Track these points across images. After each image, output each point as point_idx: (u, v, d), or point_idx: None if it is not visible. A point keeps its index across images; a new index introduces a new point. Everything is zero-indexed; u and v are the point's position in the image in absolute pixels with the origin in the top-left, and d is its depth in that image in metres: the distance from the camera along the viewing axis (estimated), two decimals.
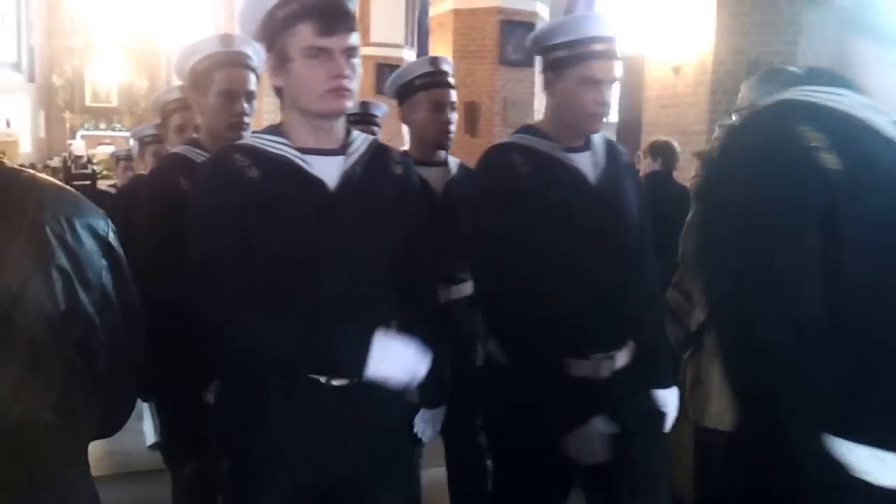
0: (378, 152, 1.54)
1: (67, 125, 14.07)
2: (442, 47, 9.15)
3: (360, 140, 1.52)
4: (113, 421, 1.25)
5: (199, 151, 1.97)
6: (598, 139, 1.82)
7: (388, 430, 1.51)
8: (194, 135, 2.14)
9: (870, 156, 1.04)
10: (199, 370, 1.69)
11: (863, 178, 1.02)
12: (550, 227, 1.67)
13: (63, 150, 12.69)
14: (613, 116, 8.64)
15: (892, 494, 1.02)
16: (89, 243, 1.09)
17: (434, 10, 9.73)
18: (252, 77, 1.97)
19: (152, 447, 3.47)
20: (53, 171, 9.90)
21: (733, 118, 2.75)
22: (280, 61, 1.39)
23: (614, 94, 1.77)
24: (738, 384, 1.13)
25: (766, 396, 1.06)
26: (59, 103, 14.13)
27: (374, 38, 9.71)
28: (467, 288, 2.27)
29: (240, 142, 1.56)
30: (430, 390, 1.93)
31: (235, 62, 1.94)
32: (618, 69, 1.70)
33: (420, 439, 1.97)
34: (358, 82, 1.42)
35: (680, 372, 2.28)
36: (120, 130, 13.71)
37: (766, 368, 1.05)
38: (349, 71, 1.38)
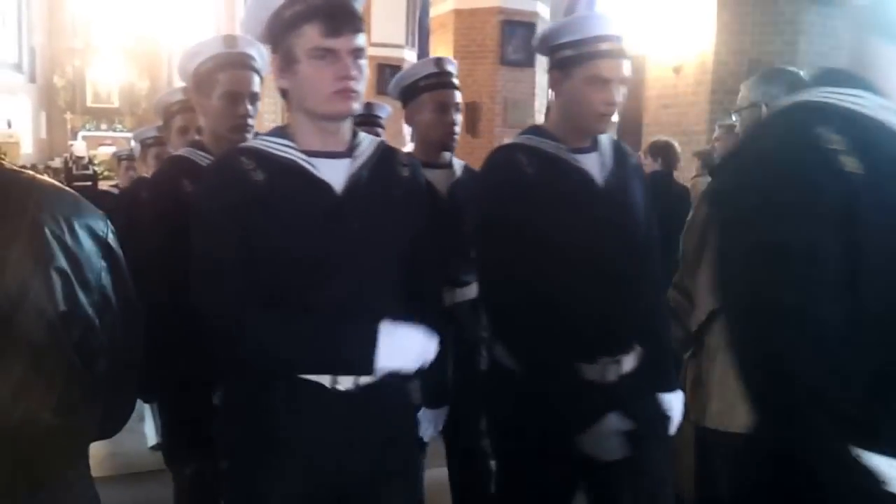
0: (385, 154, 1.52)
1: (68, 126, 14.04)
2: (443, 47, 9.16)
3: (367, 142, 1.51)
4: (113, 421, 1.25)
5: (202, 153, 1.96)
6: (605, 140, 1.81)
7: (394, 431, 1.50)
8: (197, 137, 2.13)
9: (891, 159, 1.02)
10: (202, 371, 1.69)
11: (884, 182, 1.00)
12: (557, 228, 1.65)
13: (64, 150, 12.69)
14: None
15: None
16: (88, 244, 1.09)
17: (435, 11, 9.75)
18: (256, 79, 1.96)
19: (153, 448, 3.48)
20: (54, 172, 9.93)
21: (733, 118, 2.74)
22: (286, 63, 1.38)
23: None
24: (756, 392, 1.09)
25: (787, 407, 1.03)
26: (60, 104, 14.10)
27: (374, 38, 9.69)
28: (471, 291, 2.26)
29: (245, 144, 1.55)
30: (432, 390, 1.93)
31: (239, 64, 1.93)
32: (626, 68, 1.69)
33: (424, 441, 1.96)
34: (365, 84, 1.40)
35: (681, 372, 2.27)
36: (121, 131, 13.69)
37: (785, 378, 1.02)
38: (356, 72, 1.36)
